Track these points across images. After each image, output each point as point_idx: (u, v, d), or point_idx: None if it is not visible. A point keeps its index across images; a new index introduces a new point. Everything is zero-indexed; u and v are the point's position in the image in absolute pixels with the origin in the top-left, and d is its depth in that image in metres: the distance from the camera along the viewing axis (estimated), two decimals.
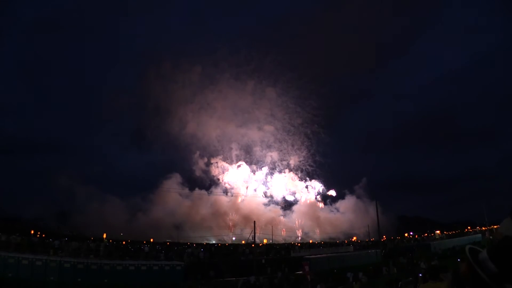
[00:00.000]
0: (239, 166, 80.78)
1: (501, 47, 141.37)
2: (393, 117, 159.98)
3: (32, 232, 40.03)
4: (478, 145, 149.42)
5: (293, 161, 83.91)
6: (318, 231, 73.78)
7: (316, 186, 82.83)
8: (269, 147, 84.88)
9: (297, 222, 75.42)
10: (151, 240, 52.38)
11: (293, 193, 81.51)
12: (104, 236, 43.24)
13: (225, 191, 78.23)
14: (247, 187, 79.87)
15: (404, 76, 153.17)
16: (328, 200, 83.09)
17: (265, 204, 78.22)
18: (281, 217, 76.08)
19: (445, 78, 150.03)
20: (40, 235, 39.30)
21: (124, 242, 44.07)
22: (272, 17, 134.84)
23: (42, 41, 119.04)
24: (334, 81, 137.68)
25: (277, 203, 79.71)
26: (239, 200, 76.88)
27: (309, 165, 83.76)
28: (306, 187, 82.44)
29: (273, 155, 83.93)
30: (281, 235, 65.08)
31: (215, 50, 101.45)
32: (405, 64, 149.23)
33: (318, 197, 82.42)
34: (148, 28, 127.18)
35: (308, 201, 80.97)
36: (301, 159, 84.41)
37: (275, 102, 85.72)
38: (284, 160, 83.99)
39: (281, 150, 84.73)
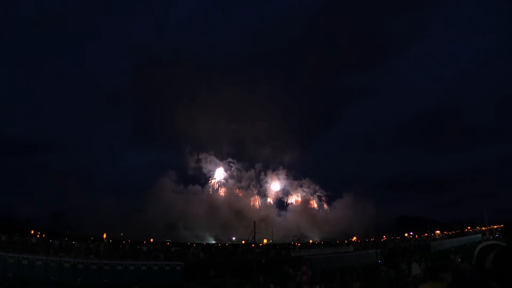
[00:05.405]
0: (230, 162, 79.01)
1: (504, 46, 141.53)
2: (393, 116, 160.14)
3: (32, 232, 40.05)
4: (479, 145, 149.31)
5: (287, 159, 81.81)
6: (315, 230, 73.01)
7: (312, 185, 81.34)
8: (262, 144, 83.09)
9: (293, 221, 74.59)
10: (151, 240, 52.41)
11: (287, 192, 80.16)
12: (104, 236, 43.26)
13: (217, 189, 76.63)
14: (238, 185, 78.66)
15: (405, 74, 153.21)
16: (325, 199, 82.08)
17: (259, 203, 77.12)
18: (276, 216, 75.18)
19: (446, 77, 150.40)
20: (40, 235, 39.31)
21: (124, 242, 44.09)
22: (271, 14, 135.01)
23: (41, 40, 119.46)
24: (333, 79, 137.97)
25: (271, 202, 78.72)
26: (232, 197, 75.81)
27: (304, 164, 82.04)
28: (301, 185, 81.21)
29: (266, 152, 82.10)
30: (278, 235, 64.40)
31: (208, 46, 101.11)
32: (407, 63, 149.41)
33: (314, 196, 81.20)
34: (141, 26, 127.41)
35: (303, 200, 79.97)
36: (296, 157, 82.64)
37: (269, 98, 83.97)
38: (278, 158, 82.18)
39: (275, 148, 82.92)
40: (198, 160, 76.93)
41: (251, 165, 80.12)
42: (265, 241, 54.55)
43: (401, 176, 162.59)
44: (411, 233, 72.31)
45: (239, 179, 78.49)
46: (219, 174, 77.23)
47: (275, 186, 79.49)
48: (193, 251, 37.33)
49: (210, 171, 77.31)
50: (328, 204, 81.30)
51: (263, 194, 78.82)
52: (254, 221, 37.87)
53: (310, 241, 64.60)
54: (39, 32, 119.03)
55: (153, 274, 25.51)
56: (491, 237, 45.83)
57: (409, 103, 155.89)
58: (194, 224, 67.62)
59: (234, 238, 62.85)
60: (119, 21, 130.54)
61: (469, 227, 75.48)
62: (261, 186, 79.49)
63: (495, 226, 65.41)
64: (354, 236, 69.23)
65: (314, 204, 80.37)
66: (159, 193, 69.93)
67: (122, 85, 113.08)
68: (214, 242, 63.67)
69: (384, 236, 63.63)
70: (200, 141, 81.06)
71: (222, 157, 78.62)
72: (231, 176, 78.05)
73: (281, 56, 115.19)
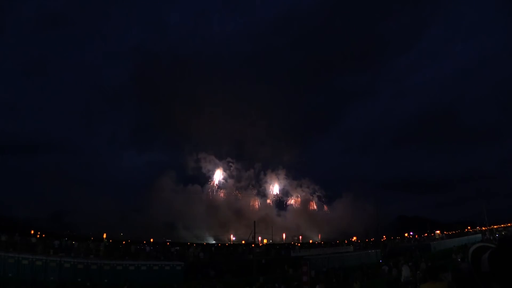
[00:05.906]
0: (230, 162, 78.97)
1: (504, 46, 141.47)
2: (393, 116, 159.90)
3: (32, 232, 40.04)
4: (479, 145, 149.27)
5: (286, 158, 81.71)
6: (315, 230, 72.86)
7: (311, 185, 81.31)
8: (261, 144, 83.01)
9: (292, 221, 74.35)
10: (151, 240, 52.39)
11: (287, 192, 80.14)
12: (104, 236, 43.26)
13: (216, 189, 76.62)
14: (237, 185, 78.43)
15: (405, 74, 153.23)
16: (325, 200, 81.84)
17: (259, 203, 77.06)
18: (276, 216, 75.02)
19: (446, 77, 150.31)
20: (40, 235, 39.30)
21: (124, 242, 44.06)
22: (271, 14, 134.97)
23: (41, 40, 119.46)
24: (333, 79, 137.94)
25: (271, 202, 78.68)
26: (232, 197, 75.77)
27: (304, 164, 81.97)
28: (301, 185, 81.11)
29: (266, 152, 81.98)
30: (278, 235, 64.12)
31: (208, 46, 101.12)
32: (407, 63, 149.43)
33: (314, 196, 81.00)
34: (141, 26, 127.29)
35: (303, 200, 79.78)
36: (296, 157, 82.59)
37: (269, 98, 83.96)
38: (277, 158, 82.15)
39: (274, 148, 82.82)
40: (198, 160, 77.00)
41: (250, 165, 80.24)
42: (265, 241, 54.55)
43: (401, 176, 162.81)
44: (411, 233, 72.29)
45: (238, 179, 78.50)
46: (219, 174, 77.37)
47: (274, 186, 79.47)
48: (193, 251, 37.30)
49: (209, 170, 77.43)
50: (328, 204, 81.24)
51: (263, 194, 78.85)
52: (254, 221, 37.84)
53: (310, 241, 64.51)
54: (39, 32, 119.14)
55: (153, 274, 25.48)
56: (491, 237, 45.86)
57: (409, 103, 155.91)
58: (194, 224, 67.58)
59: (234, 238, 62.78)
60: (119, 21, 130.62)
61: (469, 227, 75.49)
62: (260, 186, 79.51)
63: (495, 226, 65.46)
64: (354, 236, 69.16)
65: (314, 204, 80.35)
66: (159, 193, 70.01)
67: (122, 85, 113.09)
68: (214, 242, 63.62)
69: (384, 236, 63.63)
70: (199, 141, 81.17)
71: (221, 157, 78.70)
72: (230, 176, 78.07)
73: (281, 56, 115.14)
